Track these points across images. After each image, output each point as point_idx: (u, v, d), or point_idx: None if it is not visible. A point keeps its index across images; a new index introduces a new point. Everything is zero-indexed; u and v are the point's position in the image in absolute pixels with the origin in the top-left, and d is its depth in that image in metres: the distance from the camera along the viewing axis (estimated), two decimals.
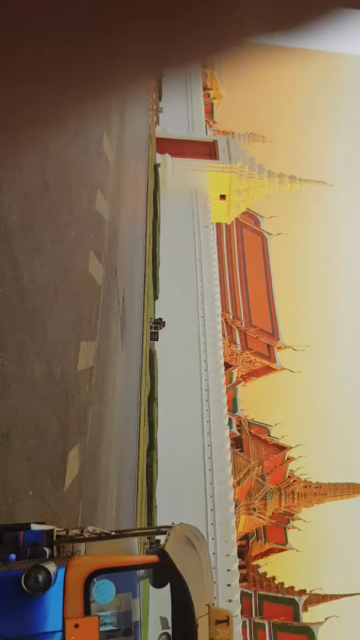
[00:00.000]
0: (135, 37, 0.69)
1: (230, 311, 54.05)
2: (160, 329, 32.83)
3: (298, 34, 0.72)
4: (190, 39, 0.71)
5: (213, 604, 5.49)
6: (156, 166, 43.60)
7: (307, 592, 41.77)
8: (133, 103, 0.86)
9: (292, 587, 42.53)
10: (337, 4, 0.70)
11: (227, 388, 41.10)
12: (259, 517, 43.63)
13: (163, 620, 5.06)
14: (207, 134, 58.11)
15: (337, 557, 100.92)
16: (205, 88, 66.72)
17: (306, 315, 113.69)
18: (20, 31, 0.64)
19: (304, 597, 40.73)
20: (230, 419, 41.52)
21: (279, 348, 55.21)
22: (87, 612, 4.47)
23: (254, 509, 43.13)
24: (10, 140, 0.81)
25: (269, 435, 49.98)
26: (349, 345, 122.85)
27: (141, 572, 5.01)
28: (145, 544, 7.05)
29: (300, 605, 39.99)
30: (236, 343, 52.78)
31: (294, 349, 55.74)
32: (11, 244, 6.14)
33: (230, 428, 40.91)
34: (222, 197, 49.05)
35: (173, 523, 6.19)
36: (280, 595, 41.31)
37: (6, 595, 4.28)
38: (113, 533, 5.82)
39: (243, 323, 54.08)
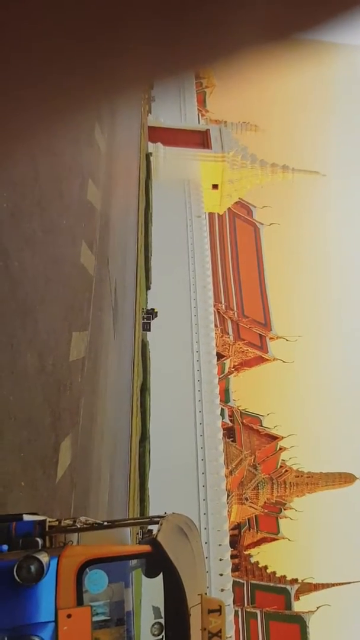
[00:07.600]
0: (130, 38, 0.66)
1: (223, 301, 54.02)
2: (152, 319, 32.80)
3: (319, 28, 0.68)
4: (189, 42, 0.68)
5: (205, 594, 5.51)
6: (148, 155, 43.36)
7: (299, 581, 42.06)
8: (125, 95, 0.84)
9: (284, 576, 42.82)
10: None
11: (219, 378, 41.15)
12: (251, 506, 43.86)
13: (156, 609, 5.07)
14: (199, 122, 57.82)
15: (329, 547, 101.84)
16: (197, 77, 66.23)
17: (298, 305, 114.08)
18: (15, 28, 0.62)
19: (296, 586, 41.01)
20: (222, 409, 41.61)
21: (271, 338, 55.30)
22: (79, 602, 4.47)
23: (246, 499, 43.34)
24: (1, 132, 0.79)
25: (261, 425, 50.14)
26: (340, 335, 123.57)
27: (134, 562, 5.00)
28: (137, 533, 7.06)
29: (292, 594, 40.27)
30: (228, 333, 52.82)
31: (286, 339, 55.87)
32: (1, 233, 6.08)
33: (223, 418, 41.00)
34: (215, 186, 48.84)
35: (165, 513, 6.20)
36: (272, 584, 41.58)
37: None
38: (105, 523, 5.83)
39: (235, 313, 54.08)
